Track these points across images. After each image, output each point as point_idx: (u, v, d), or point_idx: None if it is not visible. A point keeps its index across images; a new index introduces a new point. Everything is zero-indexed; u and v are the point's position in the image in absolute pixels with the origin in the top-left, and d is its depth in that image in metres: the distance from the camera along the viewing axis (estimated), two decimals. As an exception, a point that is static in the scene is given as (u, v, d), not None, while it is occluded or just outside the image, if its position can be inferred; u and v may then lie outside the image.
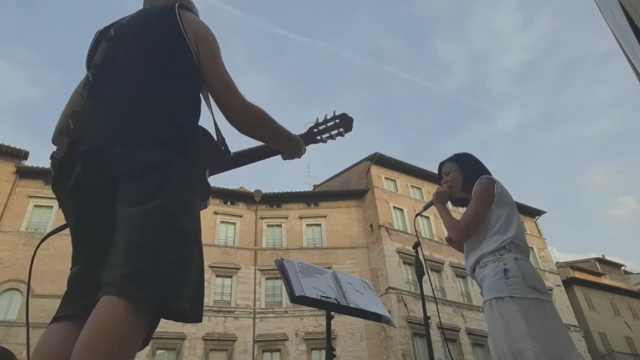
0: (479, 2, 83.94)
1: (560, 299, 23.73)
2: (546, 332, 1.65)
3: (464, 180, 2.13)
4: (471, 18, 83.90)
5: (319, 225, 22.12)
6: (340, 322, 17.48)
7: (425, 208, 2.35)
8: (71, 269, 1.10)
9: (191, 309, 0.95)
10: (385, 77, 76.59)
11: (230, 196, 22.48)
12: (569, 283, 25.94)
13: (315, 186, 27.78)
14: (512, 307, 1.69)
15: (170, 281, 0.92)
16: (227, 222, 21.50)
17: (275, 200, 22.70)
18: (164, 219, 0.96)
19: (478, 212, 1.96)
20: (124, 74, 1.15)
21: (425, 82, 75.54)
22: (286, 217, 22.21)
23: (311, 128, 1.57)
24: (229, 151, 1.26)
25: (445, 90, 74.85)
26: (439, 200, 2.16)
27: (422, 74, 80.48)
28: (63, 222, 1.21)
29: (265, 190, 22.34)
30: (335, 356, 2.18)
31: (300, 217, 22.27)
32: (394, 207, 22.35)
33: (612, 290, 27.99)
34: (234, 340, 18.11)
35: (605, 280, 30.13)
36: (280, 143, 1.39)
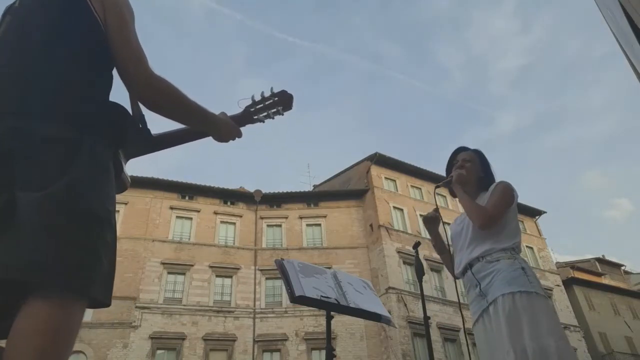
0: (477, 7, 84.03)
1: (560, 299, 23.72)
2: (562, 330, 1.68)
3: (479, 178, 2.15)
4: (469, 22, 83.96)
5: (319, 225, 22.11)
6: (340, 322, 17.48)
7: (444, 183, 2.24)
8: None
9: (103, 295, 0.92)
10: (385, 80, 76.60)
11: (230, 196, 22.48)
12: (569, 283, 25.92)
13: (315, 186, 27.79)
14: (540, 303, 1.70)
15: (83, 268, 0.89)
16: (227, 222, 21.49)
17: (275, 200, 22.69)
18: (70, 201, 0.90)
19: (502, 207, 1.97)
20: (24, 44, 1.07)
21: (424, 85, 75.49)
22: (286, 217, 22.20)
23: (247, 107, 1.47)
24: (148, 129, 1.17)
25: (445, 92, 74.79)
26: (459, 182, 2.12)
27: (421, 77, 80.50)
28: None
29: (265, 190, 22.37)
30: (335, 356, 2.18)
31: (300, 217, 22.27)
32: (394, 207, 22.35)
33: (612, 290, 27.98)
34: (234, 340, 18.10)
35: (605, 280, 30.11)
36: (195, 122, 1.27)
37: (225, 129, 1.32)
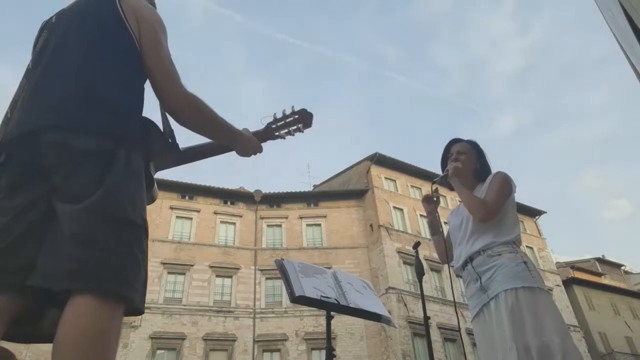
0: (476, 8, 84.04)
1: (560, 299, 23.71)
2: (566, 326, 1.66)
3: (475, 169, 2.12)
4: (468, 24, 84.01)
5: (319, 225, 22.10)
6: (340, 322, 17.47)
7: (441, 178, 2.22)
8: None
9: (141, 302, 0.94)
10: (385, 81, 76.74)
11: (230, 196, 22.47)
12: (569, 283, 25.91)
13: (315, 186, 27.78)
14: (544, 299, 1.67)
15: (124, 274, 0.90)
16: (227, 222, 21.49)
17: (275, 200, 22.69)
18: (109, 211, 0.93)
19: (501, 198, 1.93)
20: (61, 60, 1.10)
21: (424, 85, 75.66)
22: (286, 217, 22.19)
23: (269, 124, 1.52)
24: (177, 144, 1.21)
25: (444, 93, 74.90)
26: (455, 175, 2.08)
27: (421, 77, 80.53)
28: None
29: (265, 190, 22.36)
30: (335, 356, 2.18)
31: (300, 217, 22.26)
32: (394, 207, 22.34)
33: (612, 290, 27.96)
34: (234, 340, 18.10)
35: (605, 280, 30.10)
36: (222, 137, 1.32)
37: (248, 144, 1.37)
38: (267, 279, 19.91)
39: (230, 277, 19.84)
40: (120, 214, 0.94)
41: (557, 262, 27.81)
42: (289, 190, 23.02)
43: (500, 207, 1.92)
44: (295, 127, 1.53)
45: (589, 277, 28.53)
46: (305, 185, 31.06)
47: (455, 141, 2.23)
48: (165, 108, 1.17)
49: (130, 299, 0.91)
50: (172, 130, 1.21)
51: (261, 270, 20.03)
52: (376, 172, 23.22)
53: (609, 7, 2.13)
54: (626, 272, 34.63)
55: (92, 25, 1.13)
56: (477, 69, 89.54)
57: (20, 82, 1.17)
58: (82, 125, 0.99)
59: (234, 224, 21.58)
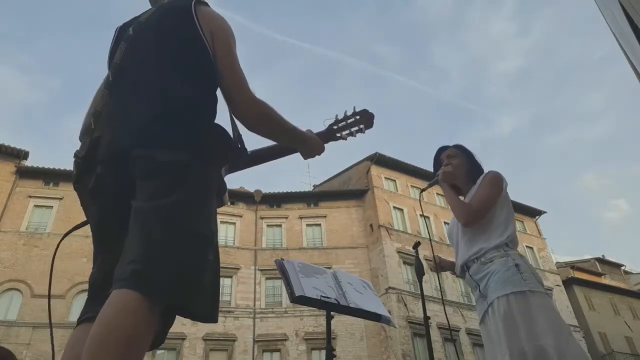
0: (476, 9, 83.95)
1: (560, 299, 23.72)
2: (564, 325, 1.64)
3: (468, 171, 2.12)
4: (468, 24, 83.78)
5: (319, 225, 22.11)
6: (340, 322, 17.47)
7: (431, 185, 2.26)
8: (92, 269, 1.11)
9: (203, 310, 0.94)
10: (384, 81, 76.68)
11: (230, 196, 22.25)
12: (569, 283, 25.92)
13: (315, 186, 27.77)
14: (534, 302, 1.65)
15: (180, 281, 0.91)
16: (227, 222, 21.47)
17: (275, 200, 22.69)
18: (176, 217, 0.96)
19: (490, 198, 1.92)
20: (142, 75, 1.16)
21: (423, 86, 75.54)
22: (286, 217, 22.20)
23: (331, 125, 1.54)
24: (246, 149, 1.24)
25: (443, 94, 74.79)
26: (445, 180, 2.09)
27: (420, 78, 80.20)
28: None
29: (265, 190, 22.35)
30: (335, 356, 2.18)
31: (300, 217, 22.27)
32: (394, 207, 22.35)
33: (612, 290, 27.97)
34: (234, 340, 18.10)
35: (605, 280, 30.10)
36: (289, 140, 1.37)
37: (312, 146, 1.42)
38: (267, 279, 19.91)
39: (230, 277, 19.83)
40: (186, 221, 0.97)
41: (557, 262, 27.81)
42: (289, 190, 23.04)
43: (485, 210, 1.91)
44: (356, 128, 1.56)
45: (589, 277, 28.54)
46: (305, 185, 31.00)
47: (442, 149, 2.25)
48: (236, 115, 1.21)
49: (181, 304, 0.91)
50: (240, 136, 1.23)
51: (261, 270, 20.04)
52: (376, 172, 23.23)
53: (609, 7, 2.13)
54: (626, 272, 34.62)
55: (171, 42, 1.17)
56: (477, 69, 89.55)
57: (102, 92, 1.22)
58: (165, 141, 1.05)
59: (234, 224, 21.57)
